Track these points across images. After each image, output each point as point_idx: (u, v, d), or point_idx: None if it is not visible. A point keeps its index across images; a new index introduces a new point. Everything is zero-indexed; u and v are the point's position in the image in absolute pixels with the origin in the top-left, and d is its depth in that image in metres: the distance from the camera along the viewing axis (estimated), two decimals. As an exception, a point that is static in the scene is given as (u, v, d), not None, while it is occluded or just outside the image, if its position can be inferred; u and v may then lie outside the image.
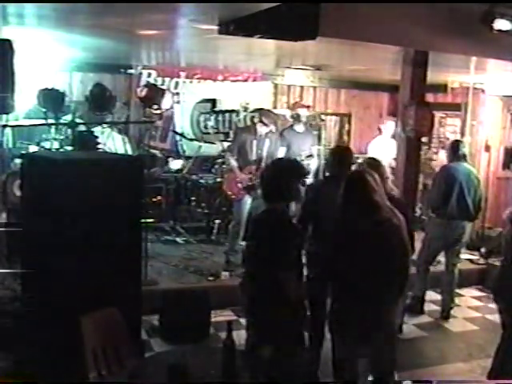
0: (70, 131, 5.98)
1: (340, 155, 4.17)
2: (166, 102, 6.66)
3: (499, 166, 7.99)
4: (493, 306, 5.87)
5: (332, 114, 9.00)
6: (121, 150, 6.58)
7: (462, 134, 7.53)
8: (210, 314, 4.90)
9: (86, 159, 4.08)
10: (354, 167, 4.41)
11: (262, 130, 5.93)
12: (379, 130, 8.01)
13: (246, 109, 7.96)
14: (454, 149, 5.51)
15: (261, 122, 5.93)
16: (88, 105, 6.25)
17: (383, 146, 7.49)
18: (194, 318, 4.78)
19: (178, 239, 7.01)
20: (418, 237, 5.09)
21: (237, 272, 5.61)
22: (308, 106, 7.12)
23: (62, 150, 5.88)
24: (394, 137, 6.69)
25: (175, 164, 7.37)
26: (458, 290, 5.84)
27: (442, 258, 5.77)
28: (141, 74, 7.62)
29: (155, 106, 6.43)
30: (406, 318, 5.06)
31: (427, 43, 4.43)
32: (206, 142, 7.42)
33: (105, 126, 6.50)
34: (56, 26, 4.65)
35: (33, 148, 6.10)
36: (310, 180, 6.51)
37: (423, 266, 5.56)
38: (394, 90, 7.23)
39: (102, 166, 3.81)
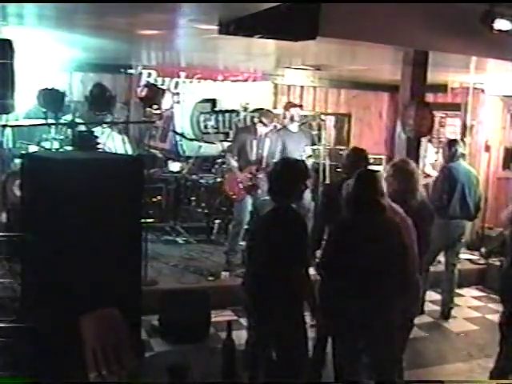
0: (69, 131, 5.98)
1: (356, 157, 4.22)
2: (166, 101, 6.66)
3: (499, 166, 7.99)
4: (493, 305, 5.92)
5: (332, 114, 8.99)
6: (121, 150, 6.58)
7: (462, 134, 7.53)
8: (209, 314, 4.90)
9: (86, 159, 4.08)
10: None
11: (261, 129, 5.94)
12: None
13: (245, 109, 7.96)
14: (450, 148, 5.53)
15: (260, 122, 5.94)
16: (88, 105, 6.24)
17: None
18: (194, 317, 4.79)
19: (178, 239, 7.02)
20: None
21: (237, 272, 5.63)
22: (300, 106, 7.11)
23: (61, 149, 5.89)
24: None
25: (174, 166, 7.36)
26: (458, 290, 5.84)
27: (441, 258, 5.78)
28: (141, 73, 7.61)
29: (155, 106, 6.42)
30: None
31: (427, 43, 4.44)
32: (206, 142, 7.42)
33: (105, 126, 6.49)
34: (56, 25, 4.65)
35: (33, 148, 6.11)
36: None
37: (424, 266, 5.55)
38: (394, 89, 7.24)
39: (102, 166, 3.81)
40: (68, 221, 3.46)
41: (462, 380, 4.31)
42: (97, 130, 6.06)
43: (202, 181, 7.34)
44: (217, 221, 7.20)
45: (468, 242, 6.19)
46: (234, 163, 6.02)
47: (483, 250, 6.95)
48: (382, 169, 6.03)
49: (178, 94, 7.88)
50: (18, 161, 5.51)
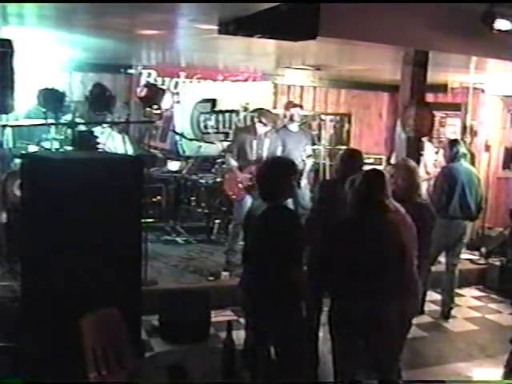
0: (69, 131, 5.97)
1: (350, 158, 4.21)
2: (166, 101, 6.65)
3: (499, 166, 7.99)
4: (493, 305, 5.93)
5: (332, 114, 8.98)
6: (121, 150, 6.57)
7: (462, 134, 7.53)
8: (209, 314, 4.90)
9: (86, 159, 4.08)
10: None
11: (261, 129, 5.94)
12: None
13: (245, 109, 7.95)
14: (451, 148, 5.53)
15: (260, 121, 5.93)
16: (88, 105, 6.24)
17: None
18: (194, 317, 4.79)
19: (178, 239, 7.02)
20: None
21: (237, 272, 5.62)
22: (301, 106, 7.11)
23: (62, 149, 5.89)
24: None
25: (173, 165, 7.37)
26: (458, 290, 5.84)
27: (442, 258, 5.77)
28: (141, 73, 7.62)
29: (155, 106, 6.42)
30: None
31: (427, 43, 4.43)
32: (206, 141, 7.42)
33: (105, 125, 6.49)
34: (56, 25, 4.65)
35: (33, 148, 6.10)
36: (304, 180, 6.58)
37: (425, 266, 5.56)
38: (394, 89, 7.23)
39: (102, 165, 3.81)
40: (68, 221, 3.46)
41: (462, 380, 4.31)
42: (97, 130, 6.06)
43: (201, 181, 7.33)
44: (217, 221, 7.20)
45: (468, 242, 6.17)
46: (234, 163, 6.03)
47: (483, 249, 6.95)
48: (381, 169, 6.02)
49: (177, 93, 7.88)
50: (18, 161, 5.51)
